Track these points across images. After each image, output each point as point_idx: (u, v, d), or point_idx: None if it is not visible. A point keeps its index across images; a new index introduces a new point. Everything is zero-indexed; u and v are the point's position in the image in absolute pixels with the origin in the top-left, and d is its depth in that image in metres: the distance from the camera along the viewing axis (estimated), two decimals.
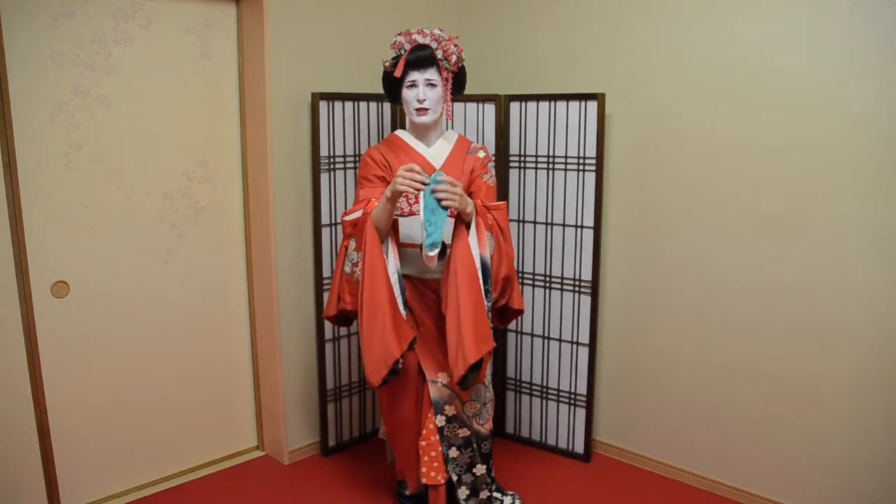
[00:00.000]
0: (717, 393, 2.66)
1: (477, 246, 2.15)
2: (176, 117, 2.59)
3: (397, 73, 2.22)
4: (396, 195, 2.08)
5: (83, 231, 2.43)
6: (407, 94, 2.26)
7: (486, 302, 2.15)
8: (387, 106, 2.96)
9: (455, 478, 2.34)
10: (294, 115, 2.74)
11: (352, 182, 2.90)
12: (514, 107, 2.90)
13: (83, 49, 2.34)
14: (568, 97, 2.76)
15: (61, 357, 2.43)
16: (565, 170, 2.83)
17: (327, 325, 2.91)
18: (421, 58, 2.22)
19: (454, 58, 2.25)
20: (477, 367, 2.10)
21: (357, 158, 2.89)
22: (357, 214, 2.20)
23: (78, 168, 2.39)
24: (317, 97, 2.71)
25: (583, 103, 2.73)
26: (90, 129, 2.39)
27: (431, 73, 2.22)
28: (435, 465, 2.31)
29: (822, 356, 2.41)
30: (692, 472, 2.77)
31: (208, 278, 2.77)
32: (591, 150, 2.74)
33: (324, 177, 2.78)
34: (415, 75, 2.22)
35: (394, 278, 2.16)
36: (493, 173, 2.40)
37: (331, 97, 2.75)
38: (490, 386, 2.39)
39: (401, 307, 2.17)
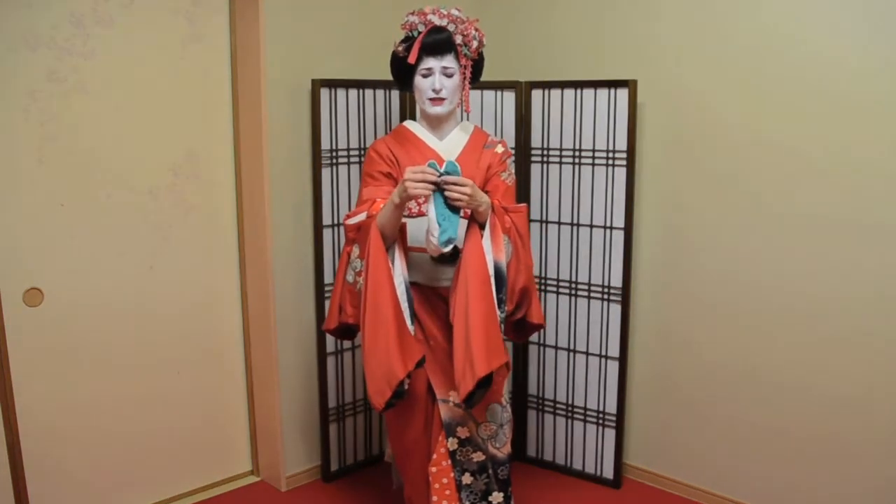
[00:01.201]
0: (761, 412, 2.57)
1: (491, 249, 2.06)
2: (161, 106, 2.53)
3: (411, 60, 2.12)
4: (406, 200, 1.98)
5: (59, 233, 2.36)
6: (421, 82, 2.16)
7: (498, 312, 2.06)
8: (394, 94, 2.89)
9: None
10: (292, 104, 2.68)
11: (356, 178, 2.83)
12: (537, 95, 2.83)
13: (59, 31, 2.28)
14: (596, 84, 2.70)
15: (35, 372, 2.35)
16: (593, 165, 2.75)
17: (329, 337, 2.83)
18: (438, 42, 2.11)
19: (475, 44, 2.16)
20: (485, 383, 2.01)
21: (362, 152, 2.81)
22: (361, 217, 2.12)
23: (53, 163, 2.32)
24: (317, 84, 2.64)
25: (612, 91, 2.66)
26: (66, 120, 2.32)
27: (449, 60, 2.13)
28: (447, 492, 2.21)
29: (881, 373, 2.31)
30: (733, 500, 2.68)
31: (197, 285, 2.71)
32: (622, 143, 2.67)
33: (325, 172, 2.72)
34: (430, 62, 2.13)
35: (400, 289, 2.06)
36: (513, 171, 2.31)
37: (333, 84, 2.69)
38: (508, 405, 2.30)
39: (408, 321, 2.07)
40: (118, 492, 2.58)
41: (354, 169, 2.79)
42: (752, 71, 2.42)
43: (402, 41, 2.19)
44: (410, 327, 2.07)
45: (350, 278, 2.17)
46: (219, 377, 2.80)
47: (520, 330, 2.33)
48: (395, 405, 2.05)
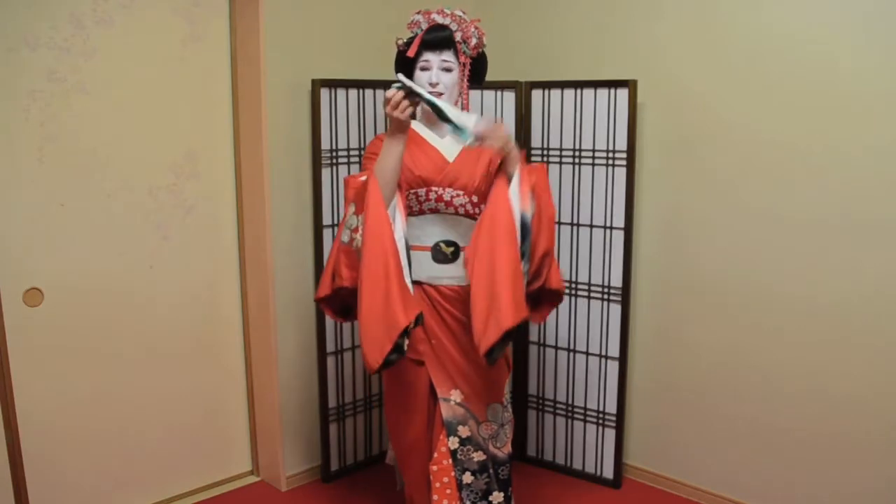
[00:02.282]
0: (762, 412, 2.56)
1: (518, 199, 2.01)
2: (161, 106, 2.53)
3: (410, 53, 2.13)
4: (398, 128, 1.96)
5: (59, 232, 2.36)
6: (419, 76, 2.16)
7: (522, 265, 2.01)
8: None
9: None
10: (292, 104, 2.67)
11: None
12: (537, 95, 2.82)
13: (59, 31, 2.28)
14: (596, 84, 2.69)
15: (35, 372, 2.35)
16: (593, 165, 2.74)
17: (329, 336, 2.82)
18: (438, 38, 2.13)
19: (474, 41, 2.17)
20: (507, 338, 1.92)
21: (362, 152, 2.80)
22: (363, 178, 2.07)
23: (53, 163, 2.31)
24: (317, 84, 2.63)
25: (612, 91, 2.65)
26: (66, 120, 2.32)
27: (448, 56, 2.14)
28: (447, 492, 2.20)
29: (881, 373, 2.30)
30: (733, 500, 2.67)
31: (197, 285, 2.70)
32: (622, 143, 2.66)
33: (325, 172, 2.71)
34: (429, 56, 2.14)
35: (401, 244, 2.01)
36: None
37: (333, 84, 2.68)
38: (509, 405, 2.29)
39: (407, 280, 2.00)
40: (118, 491, 2.57)
41: (354, 169, 2.78)
42: (753, 71, 2.42)
43: (407, 38, 2.19)
44: (410, 286, 2.00)
45: (345, 238, 2.07)
46: (219, 377, 2.80)
47: (536, 303, 2.23)
48: (393, 363, 1.94)
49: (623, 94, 2.60)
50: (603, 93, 2.65)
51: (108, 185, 2.42)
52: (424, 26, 2.14)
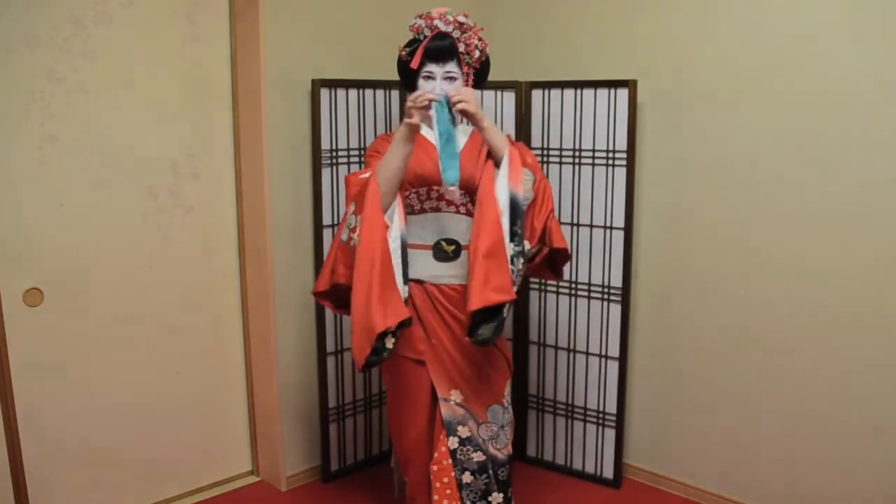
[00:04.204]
0: (762, 412, 2.55)
1: (506, 180, 2.03)
2: (161, 106, 2.52)
3: (414, 65, 2.14)
4: (409, 130, 2.00)
5: (59, 232, 2.35)
6: (423, 85, 2.17)
7: (510, 247, 2.02)
8: (394, 94, 2.87)
9: None
10: (292, 105, 2.66)
11: None
12: (537, 95, 2.81)
13: (59, 31, 2.27)
14: (596, 84, 2.68)
15: (35, 372, 2.34)
16: (593, 165, 2.73)
17: (329, 336, 2.82)
18: (441, 48, 2.13)
19: (477, 53, 2.17)
20: (492, 317, 1.97)
21: (362, 152, 2.80)
22: (364, 175, 2.11)
23: (52, 162, 2.30)
24: (317, 84, 2.62)
25: (612, 91, 2.64)
26: (66, 120, 2.31)
27: (451, 66, 2.14)
28: (447, 491, 2.20)
29: (886, 374, 2.28)
30: (733, 500, 2.66)
31: (197, 285, 2.69)
32: (622, 143, 2.65)
33: (325, 173, 2.70)
34: (432, 67, 2.14)
35: (395, 245, 2.02)
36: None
37: (333, 84, 2.67)
38: (510, 407, 2.28)
39: (399, 282, 2.02)
40: (118, 491, 2.56)
41: (354, 169, 2.77)
42: (753, 70, 2.41)
43: (408, 43, 2.19)
44: (402, 289, 2.02)
45: (344, 237, 2.11)
46: (219, 377, 2.79)
47: (550, 266, 2.26)
48: (376, 364, 2.01)
49: (623, 94, 2.59)
50: (603, 93, 2.64)
51: (108, 185, 2.41)
52: (427, 33, 2.14)
